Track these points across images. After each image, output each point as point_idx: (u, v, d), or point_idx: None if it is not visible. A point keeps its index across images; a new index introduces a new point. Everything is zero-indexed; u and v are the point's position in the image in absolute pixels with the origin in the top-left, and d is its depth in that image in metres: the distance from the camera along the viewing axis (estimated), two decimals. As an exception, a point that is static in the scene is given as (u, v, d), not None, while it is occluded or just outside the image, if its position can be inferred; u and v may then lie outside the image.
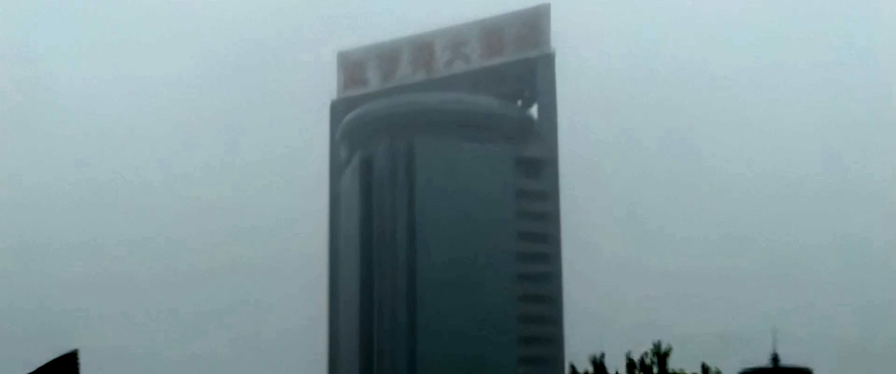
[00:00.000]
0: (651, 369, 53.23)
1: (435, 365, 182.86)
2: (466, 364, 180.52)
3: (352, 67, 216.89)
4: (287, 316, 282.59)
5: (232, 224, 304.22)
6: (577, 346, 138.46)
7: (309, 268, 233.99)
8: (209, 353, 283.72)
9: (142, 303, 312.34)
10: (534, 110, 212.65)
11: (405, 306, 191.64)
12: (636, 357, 53.77)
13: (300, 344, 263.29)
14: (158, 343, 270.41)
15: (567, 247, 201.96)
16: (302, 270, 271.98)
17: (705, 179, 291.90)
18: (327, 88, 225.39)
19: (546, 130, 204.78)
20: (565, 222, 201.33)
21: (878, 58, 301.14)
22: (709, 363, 53.63)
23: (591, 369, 54.14)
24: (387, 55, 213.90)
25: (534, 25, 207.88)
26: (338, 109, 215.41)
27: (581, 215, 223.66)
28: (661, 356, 53.34)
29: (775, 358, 52.33)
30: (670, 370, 53.13)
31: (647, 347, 54.09)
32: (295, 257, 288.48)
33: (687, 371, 53.28)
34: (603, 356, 54.43)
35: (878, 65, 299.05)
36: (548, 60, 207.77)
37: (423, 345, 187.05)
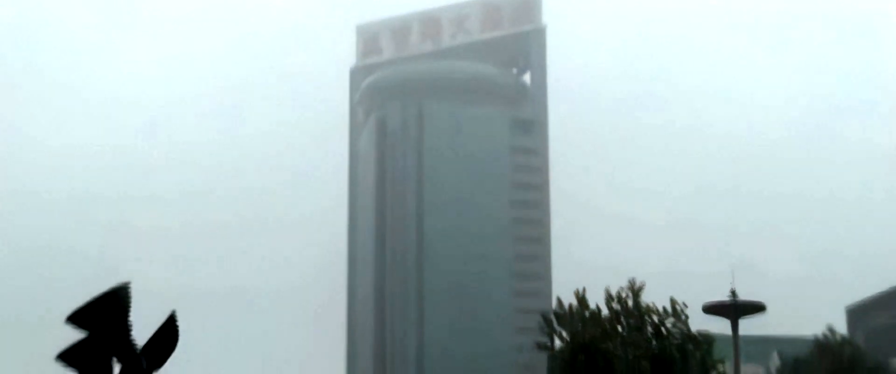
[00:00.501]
0: (626, 302, 53.32)
1: (440, 294, 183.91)
2: (468, 296, 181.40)
3: (368, 38, 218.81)
4: (310, 256, 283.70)
5: (263, 176, 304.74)
6: (564, 282, 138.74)
7: (330, 212, 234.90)
8: (241, 289, 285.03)
9: (187, 248, 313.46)
10: (527, 77, 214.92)
11: (415, 246, 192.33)
12: (614, 293, 53.91)
13: (321, 282, 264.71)
14: (200, 280, 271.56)
15: (554, 195, 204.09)
16: (324, 214, 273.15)
17: (681, 138, 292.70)
18: (347, 56, 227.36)
19: (537, 95, 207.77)
20: (553, 174, 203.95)
21: (847, 23, 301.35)
22: (677, 299, 53.74)
23: (574, 302, 54.26)
24: (399, 28, 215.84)
25: (528, 4, 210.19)
26: (356, 76, 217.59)
27: (567, 168, 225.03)
28: (635, 291, 53.42)
29: (733, 293, 52.13)
30: (643, 304, 53.28)
31: (624, 284, 54.23)
32: (318, 204, 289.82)
33: (657, 305, 53.39)
34: (585, 290, 54.53)
35: (848, 30, 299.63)
36: (540, 34, 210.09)
37: (430, 278, 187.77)
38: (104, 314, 8.47)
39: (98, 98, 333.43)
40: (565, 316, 54.52)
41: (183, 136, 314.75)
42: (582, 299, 54.21)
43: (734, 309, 54.40)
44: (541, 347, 55.92)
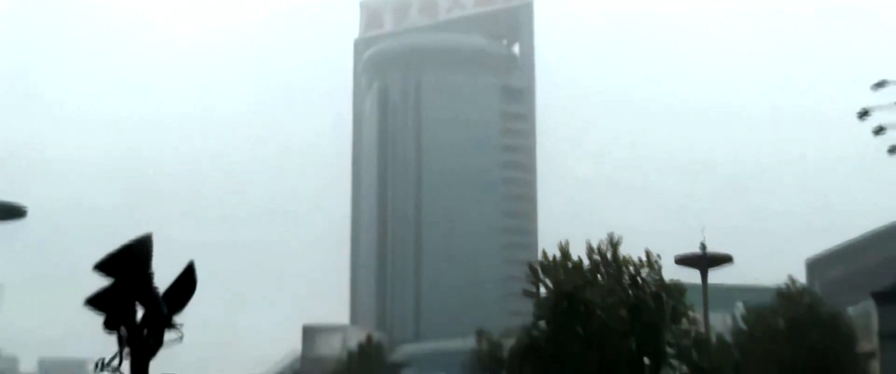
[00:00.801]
0: (605, 254, 53.41)
1: (436, 245, 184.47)
2: (462, 247, 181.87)
3: (370, 13, 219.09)
4: (317, 209, 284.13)
5: (275, 139, 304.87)
6: (549, 236, 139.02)
7: (336, 171, 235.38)
8: (252, 243, 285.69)
9: (204, 205, 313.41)
10: (516, 48, 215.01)
11: (413, 201, 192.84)
12: (594, 245, 54.02)
13: (327, 234, 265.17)
14: (219, 233, 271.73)
15: (540, 157, 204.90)
16: (330, 177, 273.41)
17: (661, 107, 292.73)
18: (351, 30, 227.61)
19: (525, 64, 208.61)
20: (539, 138, 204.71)
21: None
22: (651, 251, 53.87)
23: (558, 253, 54.37)
24: (399, 3, 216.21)
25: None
26: (359, 47, 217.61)
27: (551, 132, 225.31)
28: (614, 244, 53.49)
29: (703, 247, 52.33)
30: (620, 256, 53.38)
31: (604, 238, 54.34)
32: (324, 166, 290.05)
33: (633, 257, 53.51)
34: (568, 243, 54.62)
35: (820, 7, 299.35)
36: (528, 8, 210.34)
37: (427, 231, 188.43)
38: (128, 263, 8.56)
39: (127, 66, 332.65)
40: (550, 267, 54.60)
41: (203, 102, 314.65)
42: (565, 252, 54.30)
43: (703, 261, 54.67)
44: (527, 294, 56.04)
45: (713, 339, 57.03)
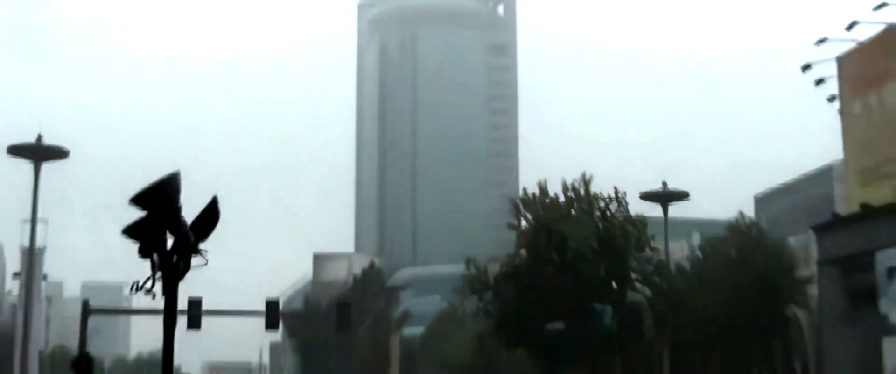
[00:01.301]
0: (579, 191, 53.57)
1: (430, 182, 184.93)
2: (452, 185, 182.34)
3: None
4: (325, 151, 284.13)
5: (288, 90, 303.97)
6: (529, 175, 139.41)
7: (342, 120, 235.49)
8: (272, 181, 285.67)
9: (231, 148, 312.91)
10: (501, 8, 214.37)
11: (410, 144, 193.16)
12: (569, 183, 54.15)
13: (333, 170, 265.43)
14: (240, 171, 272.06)
15: (522, 106, 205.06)
16: (337, 121, 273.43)
17: (631, 60, 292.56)
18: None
19: (509, 23, 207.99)
20: (521, 89, 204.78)
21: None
22: (619, 189, 54.08)
23: (537, 191, 54.54)
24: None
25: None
26: (363, 9, 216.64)
27: (531, 83, 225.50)
28: (586, 182, 53.64)
29: (664, 184, 52.55)
30: (592, 193, 53.55)
31: (578, 177, 54.46)
32: (331, 111, 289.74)
33: (603, 193, 53.70)
34: (546, 181, 54.80)
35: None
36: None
37: (422, 169, 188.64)
38: (159, 197, 8.61)
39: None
40: (529, 202, 54.78)
41: (223, 53, 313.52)
42: (543, 189, 54.44)
43: (664, 197, 54.88)
44: (510, 227, 56.30)
45: (672, 265, 57.34)
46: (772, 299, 55.11)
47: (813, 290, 53.22)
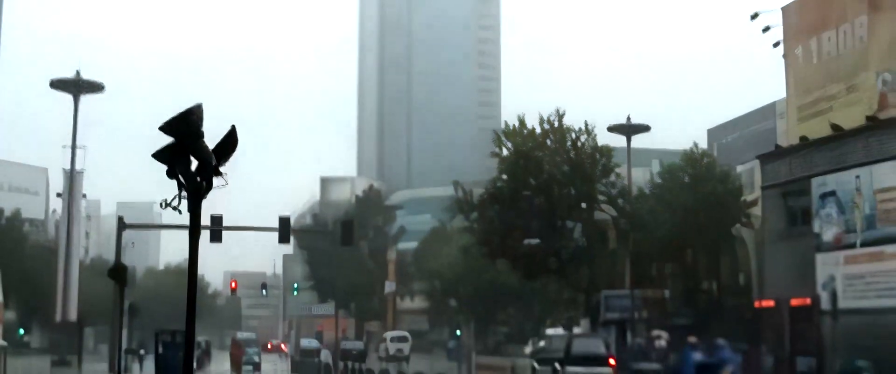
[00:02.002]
0: (553, 123, 53.58)
1: (424, 115, 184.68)
2: (443, 120, 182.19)
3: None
4: (330, 86, 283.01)
5: (295, 30, 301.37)
6: (510, 109, 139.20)
7: (344, 59, 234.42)
8: (283, 112, 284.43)
9: (247, 81, 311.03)
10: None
11: (406, 80, 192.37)
12: (545, 116, 54.10)
13: (336, 104, 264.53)
14: (255, 102, 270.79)
15: (504, 46, 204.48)
16: (340, 66, 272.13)
17: (605, 7, 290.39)
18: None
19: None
20: (503, 32, 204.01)
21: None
22: (589, 121, 54.11)
23: (517, 123, 54.49)
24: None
25: None
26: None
27: (513, 27, 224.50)
28: (560, 115, 53.60)
29: (628, 119, 52.62)
30: (565, 125, 53.52)
31: (553, 111, 54.39)
32: (335, 56, 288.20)
33: (575, 125, 53.74)
34: (524, 115, 54.77)
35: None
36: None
37: (416, 103, 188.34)
38: (185, 125, 8.65)
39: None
40: (510, 133, 54.76)
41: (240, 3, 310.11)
42: (522, 121, 54.39)
43: (628, 129, 54.99)
44: (493, 155, 56.35)
45: (634, 189, 57.60)
46: (720, 219, 55.43)
47: (757, 211, 53.56)
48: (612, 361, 38.32)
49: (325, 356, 62.30)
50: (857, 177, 39.36)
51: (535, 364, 45.99)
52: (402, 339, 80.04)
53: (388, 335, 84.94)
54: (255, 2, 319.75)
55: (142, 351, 55.55)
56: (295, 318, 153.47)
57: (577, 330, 63.46)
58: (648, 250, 57.34)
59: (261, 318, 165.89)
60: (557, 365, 39.45)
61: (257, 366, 56.73)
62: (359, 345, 75.95)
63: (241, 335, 75.21)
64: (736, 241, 57.26)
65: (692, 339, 29.65)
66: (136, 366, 53.37)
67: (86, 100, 61.93)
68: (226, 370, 46.40)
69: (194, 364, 33.48)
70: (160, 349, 27.08)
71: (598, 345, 39.81)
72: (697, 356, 25.20)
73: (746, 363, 41.62)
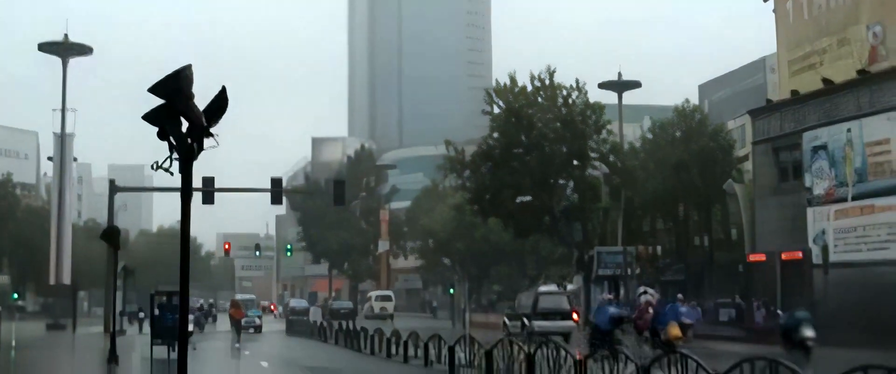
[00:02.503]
0: (544, 81, 53.40)
1: (415, 80, 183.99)
2: (434, 79, 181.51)
3: None
4: (319, 54, 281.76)
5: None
6: (501, 69, 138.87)
7: (334, 27, 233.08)
8: (276, 75, 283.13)
9: (238, 44, 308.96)
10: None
11: (396, 40, 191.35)
12: (536, 74, 53.91)
13: (327, 66, 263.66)
14: (246, 64, 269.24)
15: (494, 8, 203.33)
16: (330, 27, 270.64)
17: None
18: None
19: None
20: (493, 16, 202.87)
21: None
22: (580, 78, 53.91)
23: (508, 81, 54.31)
24: None
25: None
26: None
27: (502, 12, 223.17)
28: (551, 73, 53.35)
29: (619, 75, 52.40)
30: (556, 82, 53.32)
31: (543, 68, 54.18)
32: (325, 18, 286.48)
33: (565, 83, 53.57)
34: (515, 72, 54.49)
35: None
36: None
37: (407, 63, 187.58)
38: (175, 86, 8.56)
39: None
40: (501, 91, 54.61)
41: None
42: (513, 79, 54.21)
43: (619, 86, 54.79)
44: (485, 113, 56.23)
45: (626, 145, 57.59)
46: (712, 175, 55.57)
47: (748, 166, 53.68)
48: (575, 315, 40.81)
49: (315, 314, 62.69)
50: (848, 130, 39.39)
51: (506, 320, 47.58)
52: (386, 298, 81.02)
53: (373, 294, 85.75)
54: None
55: (141, 313, 55.49)
56: (289, 279, 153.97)
57: (570, 287, 63.82)
58: (640, 206, 57.53)
59: (255, 279, 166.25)
60: (526, 320, 41.47)
61: (259, 328, 53.29)
62: (348, 305, 76.93)
63: (241, 296, 75.07)
64: (727, 196, 57.42)
65: (679, 297, 31.33)
66: (133, 328, 53.51)
67: (75, 63, 61.47)
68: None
69: (190, 326, 33.52)
70: (156, 312, 26.85)
71: (562, 301, 42.57)
72: (613, 309, 27.66)
73: (738, 316, 41.92)
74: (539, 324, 40.06)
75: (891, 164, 37.24)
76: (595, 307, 31.48)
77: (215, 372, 24.51)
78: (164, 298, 27.20)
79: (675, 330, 25.20)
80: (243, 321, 44.21)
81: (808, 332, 22.35)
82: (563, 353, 17.23)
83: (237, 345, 35.14)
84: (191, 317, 33.78)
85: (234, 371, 25.92)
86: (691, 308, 36.75)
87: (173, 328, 23.66)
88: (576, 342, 28.03)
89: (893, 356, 23.59)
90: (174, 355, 23.44)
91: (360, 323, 43.56)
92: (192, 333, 33.37)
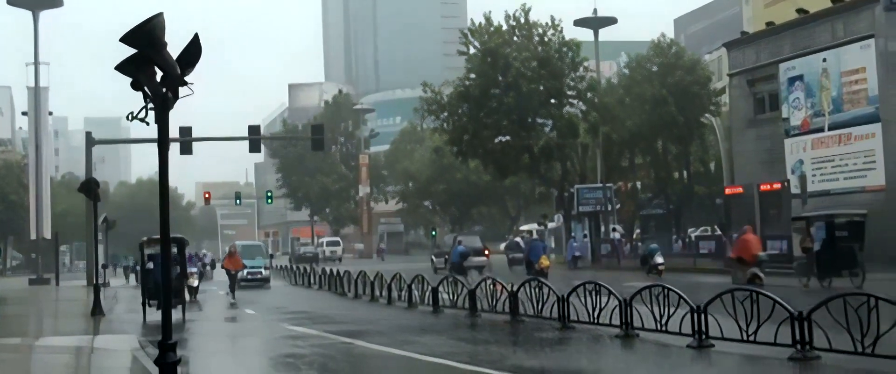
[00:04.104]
0: (520, 20, 53.13)
1: (391, 21, 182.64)
2: (409, 22, 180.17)
3: None
4: (294, 9, 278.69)
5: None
6: (475, 8, 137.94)
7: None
8: (248, 21, 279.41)
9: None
10: None
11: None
12: (511, 13, 53.60)
13: (304, 12, 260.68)
14: (218, 10, 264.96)
15: None
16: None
17: None
18: None
19: None
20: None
21: None
22: (555, 16, 53.62)
23: (483, 21, 53.99)
24: None
25: None
26: None
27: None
28: (526, 11, 52.99)
29: (595, 11, 52.34)
30: (531, 20, 53.05)
31: (518, 7, 53.86)
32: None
33: (541, 21, 53.33)
34: (490, 12, 54.09)
35: None
36: None
37: (382, 7, 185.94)
38: (147, 36, 8.46)
39: None
40: (477, 31, 54.36)
41: None
42: (488, 18, 53.94)
43: (595, 22, 54.70)
44: (460, 53, 56.00)
45: (603, 82, 57.55)
46: (689, 108, 55.68)
47: (725, 99, 53.79)
48: (486, 252, 46.80)
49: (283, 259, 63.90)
50: (824, 60, 39.48)
51: (433, 258, 53.13)
52: (335, 243, 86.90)
53: (324, 240, 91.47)
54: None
55: (137, 267, 54.51)
56: (271, 226, 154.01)
57: (551, 225, 64.16)
58: (619, 142, 57.67)
59: (237, 227, 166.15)
60: (447, 257, 46.64)
61: (266, 281, 42.92)
62: (312, 249, 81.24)
63: (243, 243, 54.32)
64: (705, 129, 57.62)
65: (619, 228, 36.23)
66: (118, 280, 53.47)
67: (45, 15, 60.78)
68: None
69: (194, 281, 32.47)
70: (149, 264, 24.01)
71: (477, 241, 49.54)
72: (461, 248, 39.25)
73: (718, 248, 42.26)
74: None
75: (866, 92, 37.42)
76: (528, 245, 37.32)
77: (199, 322, 24.47)
78: (155, 249, 24.37)
79: (544, 261, 31.70)
80: (246, 272, 38.35)
81: (658, 259, 35.24)
82: (545, 290, 18.07)
83: (232, 300, 31.27)
84: (194, 270, 32.68)
85: (220, 318, 25.92)
86: (584, 243, 50.18)
87: (175, 283, 21.99)
88: (500, 274, 29.02)
89: (869, 283, 23.95)
90: (178, 315, 22.42)
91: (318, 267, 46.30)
92: (197, 288, 32.30)
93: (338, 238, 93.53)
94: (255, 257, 43.71)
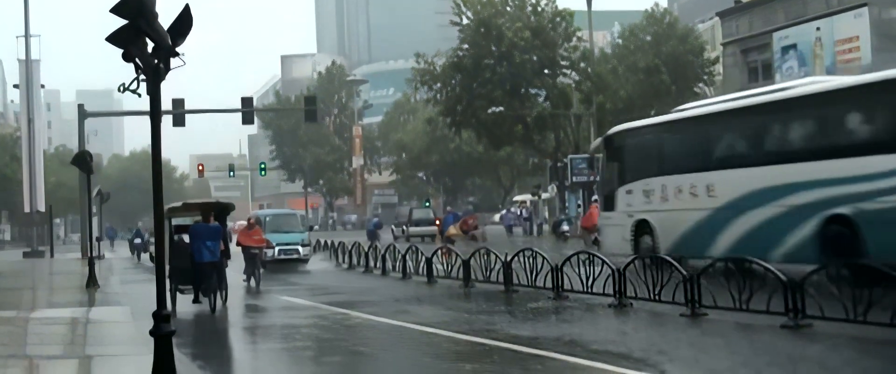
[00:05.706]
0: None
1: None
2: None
3: None
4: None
5: None
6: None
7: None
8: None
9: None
10: None
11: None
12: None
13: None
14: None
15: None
16: None
17: None
18: None
19: None
20: None
21: None
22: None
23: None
24: None
25: None
26: None
27: None
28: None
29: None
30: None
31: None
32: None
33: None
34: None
35: None
36: None
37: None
38: (137, 6, 8.40)
39: None
40: (470, 1, 54.21)
41: None
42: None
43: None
44: (453, 24, 55.80)
45: (596, 52, 57.42)
46: (683, 78, 55.64)
47: (718, 68, 53.73)
48: (437, 222, 50.63)
49: None
50: (818, 29, 39.41)
51: (393, 227, 59.32)
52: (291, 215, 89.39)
53: (298, 213, 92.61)
54: None
55: (138, 240, 53.86)
56: (265, 198, 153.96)
57: (544, 196, 64.25)
58: (613, 112, 57.60)
59: (231, 199, 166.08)
60: (404, 227, 55.77)
61: (304, 261, 31.67)
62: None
63: (271, 212, 41.92)
64: (699, 98, 57.56)
65: (595, 199, 39.39)
66: (113, 252, 53.48)
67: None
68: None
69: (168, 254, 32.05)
70: (183, 238, 19.95)
71: (429, 213, 58.31)
72: (376, 219, 49.41)
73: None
74: (413, 230, 53.73)
75: (860, 61, 37.38)
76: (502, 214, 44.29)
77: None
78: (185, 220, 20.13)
79: (452, 230, 39.59)
80: (277, 251, 29.95)
81: (565, 226, 44.85)
82: (539, 259, 18.14)
83: (244, 280, 24.45)
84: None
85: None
86: (514, 215, 59.80)
87: (212, 265, 17.86)
88: (495, 244, 29.11)
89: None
90: (215, 305, 18.32)
91: None
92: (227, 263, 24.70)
93: (297, 211, 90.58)
94: (290, 230, 32.58)
